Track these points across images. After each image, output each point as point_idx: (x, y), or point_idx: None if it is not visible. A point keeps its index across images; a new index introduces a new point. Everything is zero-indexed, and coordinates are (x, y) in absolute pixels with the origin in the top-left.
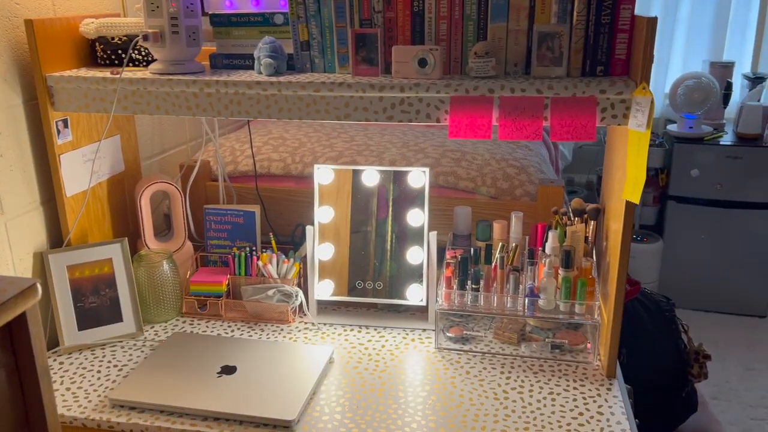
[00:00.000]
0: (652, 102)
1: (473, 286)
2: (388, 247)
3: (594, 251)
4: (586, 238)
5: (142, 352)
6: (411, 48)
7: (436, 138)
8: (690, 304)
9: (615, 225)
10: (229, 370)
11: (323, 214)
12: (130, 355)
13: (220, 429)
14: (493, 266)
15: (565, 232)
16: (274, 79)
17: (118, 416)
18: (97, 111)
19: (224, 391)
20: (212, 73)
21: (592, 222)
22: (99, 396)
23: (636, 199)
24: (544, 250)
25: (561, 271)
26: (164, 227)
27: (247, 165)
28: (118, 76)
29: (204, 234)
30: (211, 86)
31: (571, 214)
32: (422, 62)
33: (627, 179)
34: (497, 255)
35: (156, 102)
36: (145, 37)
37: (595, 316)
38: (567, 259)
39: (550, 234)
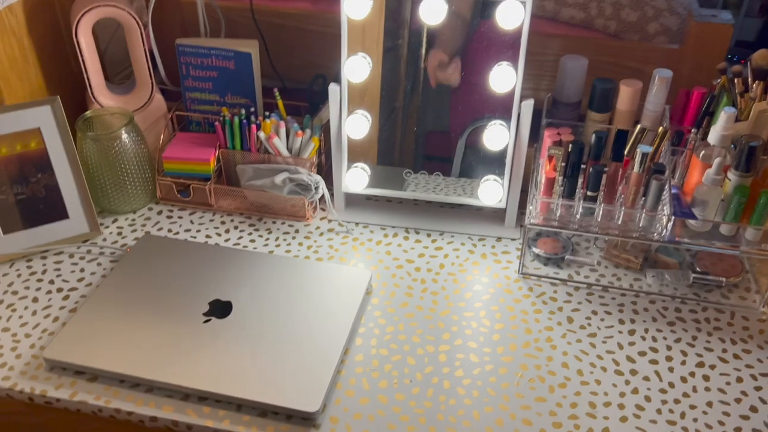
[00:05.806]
0: None
1: (589, 193)
2: (454, 123)
3: None
4: None
5: (99, 265)
6: None
7: None
8: None
9: None
10: (220, 309)
11: (355, 67)
12: (81, 270)
13: (209, 413)
14: (623, 163)
15: (736, 105)
16: None
17: (58, 387)
18: None
19: (211, 351)
20: None
21: None
22: (33, 347)
23: None
24: (699, 135)
25: (733, 176)
26: (128, 63)
27: None
28: None
29: (180, 81)
30: None
31: (750, 77)
32: None
33: None
34: (635, 146)
35: None
36: None
37: None
38: (748, 158)
39: (723, 114)
